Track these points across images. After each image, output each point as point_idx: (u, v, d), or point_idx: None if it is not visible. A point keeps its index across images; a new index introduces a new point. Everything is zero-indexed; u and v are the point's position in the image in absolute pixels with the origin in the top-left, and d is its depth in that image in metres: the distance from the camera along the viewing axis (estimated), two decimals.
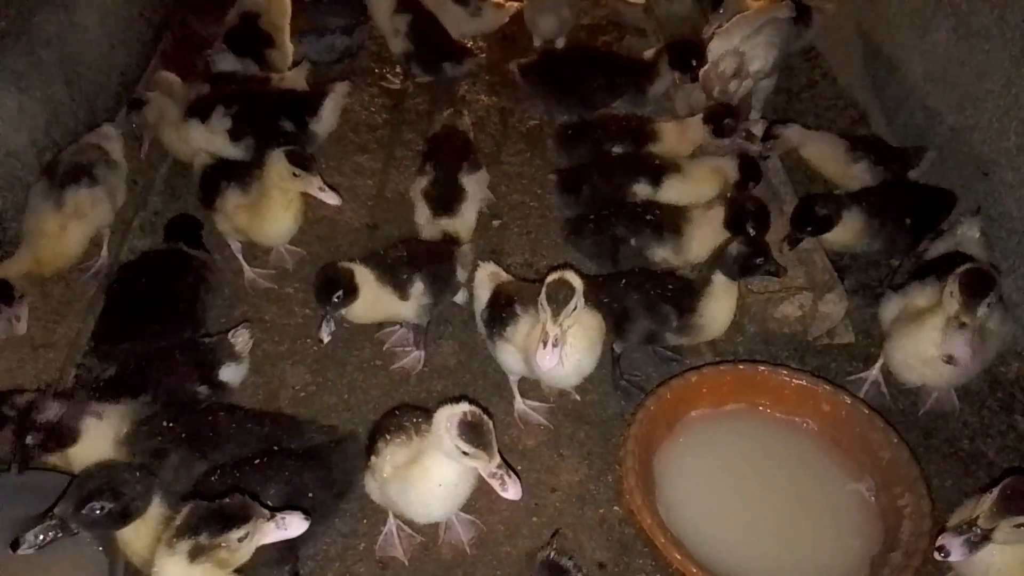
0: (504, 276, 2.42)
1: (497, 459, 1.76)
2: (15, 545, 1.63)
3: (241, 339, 2.30)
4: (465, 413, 1.75)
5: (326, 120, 3.07)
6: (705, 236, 2.57)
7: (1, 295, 2.42)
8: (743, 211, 2.55)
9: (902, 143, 3.15)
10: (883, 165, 2.90)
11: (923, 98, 3.11)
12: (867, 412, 2.16)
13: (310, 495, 1.94)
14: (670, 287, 2.36)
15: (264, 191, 2.62)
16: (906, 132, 3.22)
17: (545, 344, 2.00)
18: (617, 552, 2.12)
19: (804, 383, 2.26)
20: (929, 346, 2.14)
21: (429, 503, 1.88)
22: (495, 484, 1.77)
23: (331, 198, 2.57)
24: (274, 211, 2.62)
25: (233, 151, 2.92)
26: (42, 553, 1.78)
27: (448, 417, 1.76)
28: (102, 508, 1.64)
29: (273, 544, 1.69)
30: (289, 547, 1.84)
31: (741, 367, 2.32)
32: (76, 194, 2.61)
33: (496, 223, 3.09)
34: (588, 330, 2.12)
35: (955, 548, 1.68)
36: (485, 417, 1.77)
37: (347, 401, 2.47)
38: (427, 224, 2.70)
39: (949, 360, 2.05)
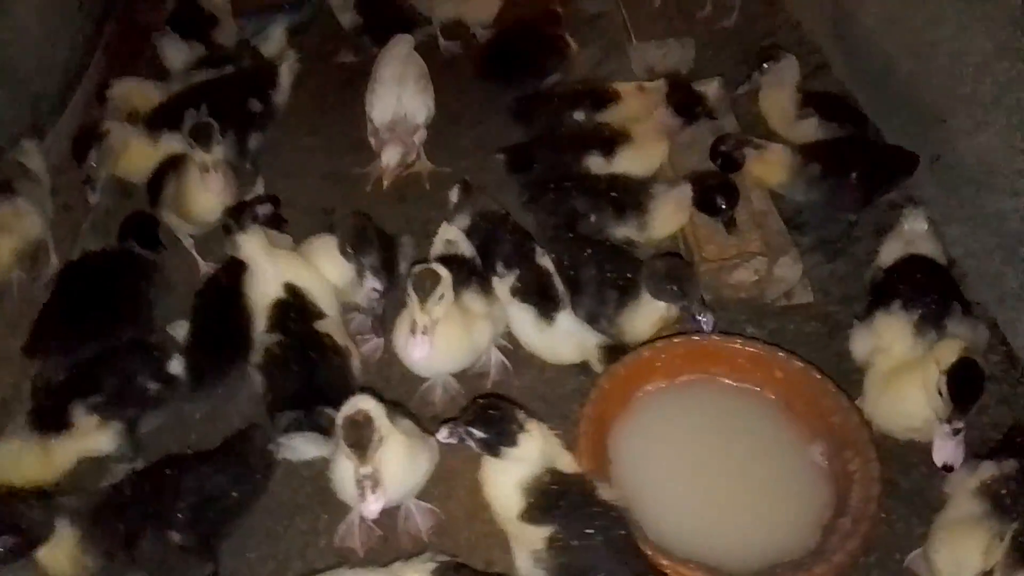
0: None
1: (368, 468, 1.77)
2: None
3: (182, 330, 2.31)
4: (355, 412, 1.77)
5: (284, 90, 3.16)
6: (669, 214, 2.54)
7: None
8: (709, 187, 2.51)
9: (862, 89, 3.09)
10: (835, 122, 2.84)
11: (879, 43, 3.03)
12: (818, 377, 2.14)
13: (232, 494, 1.98)
14: (628, 275, 2.35)
15: (188, 171, 2.62)
16: (864, 79, 3.15)
17: (413, 332, 2.03)
18: None
19: (756, 350, 2.25)
20: (913, 411, 2.03)
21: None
22: (357, 492, 1.79)
23: (212, 182, 2.54)
24: (193, 190, 2.61)
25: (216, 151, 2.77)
26: None
27: (343, 412, 1.78)
28: (4, 544, 1.68)
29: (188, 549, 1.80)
30: (209, 546, 1.90)
31: (694, 338, 2.31)
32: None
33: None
34: (465, 322, 2.14)
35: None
36: (371, 419, 1.78)
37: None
38: None
39: (945, 468, 1.93)
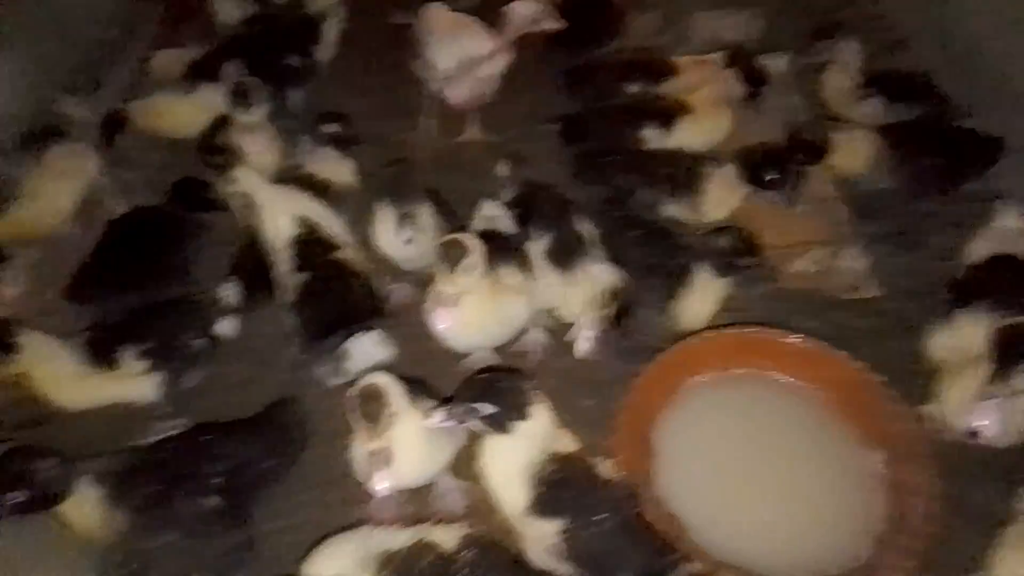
0: None
1: (378, 444, 1.71)
2: None
3: (231, 292, 2.30)
4: (369, 385, 1.72)
5: (327, 47, 3.08)
6: (723, 194, 2.43)
7: None
8: (761, 160, 2.39)
9: (944, 69, 2.89)
10: (906, 103, 2.66)
11: (967, 20, 2.82)
12: (878, 381, 2.02)
13: (263, 464, 1.97)
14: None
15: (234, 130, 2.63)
16: (948, 57, 2.93)
17: (438, 303, 1.95)
18: None
19: (813, 347, 2.13)
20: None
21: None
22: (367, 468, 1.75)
23: (250, 144, 2.52)
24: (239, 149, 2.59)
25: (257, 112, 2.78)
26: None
27: (357, 386, 1.74)
28: (16, 499, 1.69)
29: (226, 506, 1.80)
30: (242, 511, 1.90)
31: (746, 330, 2.20)
32: (55, 153, 2.59)
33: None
34: (499, 296, 2.05)
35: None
36: (383, 394, 1.72)
37: None
38: None
39: (972, 435, 1.84)
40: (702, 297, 2.23)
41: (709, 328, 2.23)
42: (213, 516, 1.86)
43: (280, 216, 2.30)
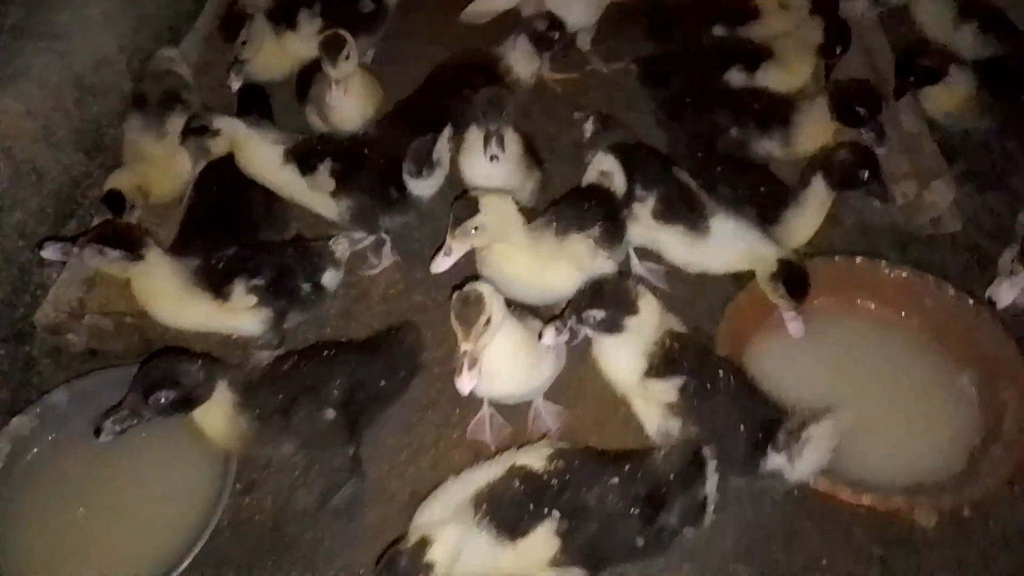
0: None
1: (468, 346, 1.73)
2: (96, 433, 1.76)
3: (341, 247, 2.36)
4: (470, 290, 1.75)
5: None
6: (815, 128, 2.42)
7: (113, 205, 2.46)
8: (849, 96, 2.36)
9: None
10: (995, 34, 2.64)
11: None
12: (973, 305, 2.06)
13: (381, 383, 2.05)
14: (762, 189, 2.27)
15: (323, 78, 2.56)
16: None
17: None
18: None
19: (905, 275, 2.17)
20: None
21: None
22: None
23: (335, 98, 2.51)
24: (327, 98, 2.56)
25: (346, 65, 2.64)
26: (169, 449, 2.03)
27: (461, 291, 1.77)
28: (166, 397, 1.76)
29: (342, 421, 1.89)
30: (355, 428, 1.98)
31: (837, 259, 2.24)
32: (176, 121, 2.58)
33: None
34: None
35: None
36: (482, 300, 1.73)
37: (435, 298, 2.53)
38: None
39: (991, 303, 1.92)
40: (809, 217, 2.24)
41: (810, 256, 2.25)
42: (329, 429, 1.94)
43: (271, 149, 2.33)
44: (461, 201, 1.99)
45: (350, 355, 2.05)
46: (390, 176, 2.34)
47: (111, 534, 1.96)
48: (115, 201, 2.44)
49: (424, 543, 1.49)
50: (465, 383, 1.75)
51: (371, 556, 1.97)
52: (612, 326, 1.79)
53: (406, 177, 2.31)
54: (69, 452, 2.09)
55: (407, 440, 2.18)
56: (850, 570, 1.90)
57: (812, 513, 1.96)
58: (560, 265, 2.07)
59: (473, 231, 1.95)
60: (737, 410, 1.82)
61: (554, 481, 1.68)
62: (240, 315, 2.15)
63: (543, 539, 1.63)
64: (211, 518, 1.89)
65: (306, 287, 2.27)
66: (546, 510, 1.64)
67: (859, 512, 1.93)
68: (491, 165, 2.20)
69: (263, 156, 2.35)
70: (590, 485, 1.69)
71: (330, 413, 1.92)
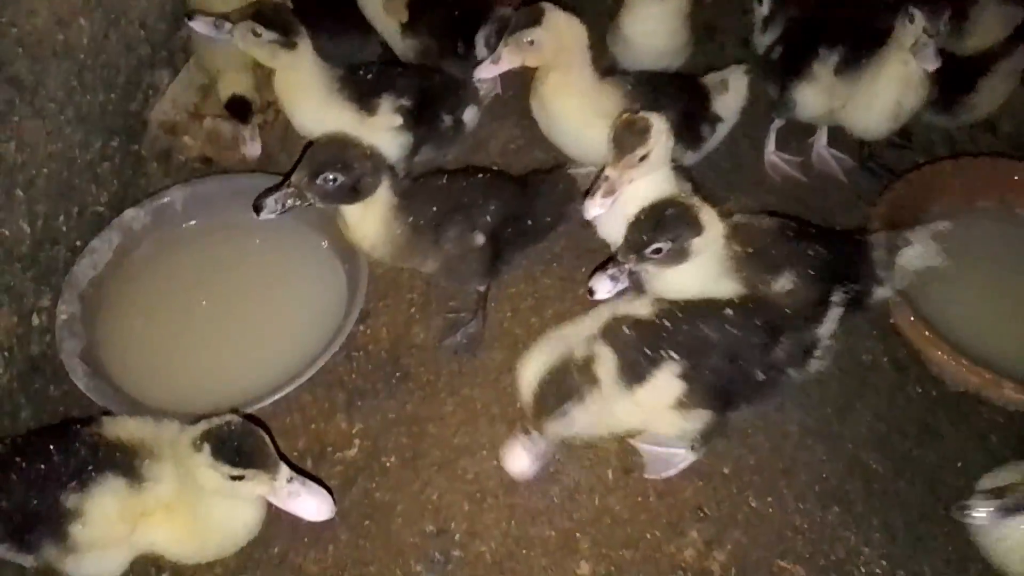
0: None
1: (613, 172, 1.59)
2: (257, 210, 1.65)
3: (487, 86, 2.24)
4: (640, 118, 1.59)
5: None
6: (991, 24, 2.20)
7: (239, 112, 2.25)
8: None
9: None
10: None
11: None
12: None
13: (528, 222, 1.91)
14: None
15: None
16: None
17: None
18: None
19: None
20: None
21: None
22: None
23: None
24: None
25: None
26: (288, 264, 1.95)
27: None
28: (334, 180, 1.64)
29: (484, 254, 1.80)
30: (497, 261, 1.88)
31: (1002, 160, 2.12)
32: None
33: None
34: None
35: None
36: (648, 131, 1.58)
37: (556, 157, 2.41)
38: None
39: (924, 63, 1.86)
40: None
41: (962, 154, 2.15)
42: (473, 256, 1.83)
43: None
44: (525, 8, 1.82)
45: (505, 184, 1.93)
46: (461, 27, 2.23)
47: (232, 332, 1.89)
48: (242, 109, 2.24)
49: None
50: (593, 207, 1.61)
51: (492, 394, 1.92)
52: (680, 255, 1.56)
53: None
54: (184, 250, 2.00)
55: (530, 289, 2.10)
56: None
57: (949, 414, 1.90)
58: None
59: (528, 43, 1.80)
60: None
61: (666, 322, 1.56)
62: (381, 134, 2.00)
63: (664, 383, 1.53)
64: (336, 338, 1.80)
65: (447, 119, 2.15)
66: (663, 353, 1.52)
67: (997, 420, 1.88)
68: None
69: None
70: (705, 317, 1.57)
71: (480, 238, 1.81)
